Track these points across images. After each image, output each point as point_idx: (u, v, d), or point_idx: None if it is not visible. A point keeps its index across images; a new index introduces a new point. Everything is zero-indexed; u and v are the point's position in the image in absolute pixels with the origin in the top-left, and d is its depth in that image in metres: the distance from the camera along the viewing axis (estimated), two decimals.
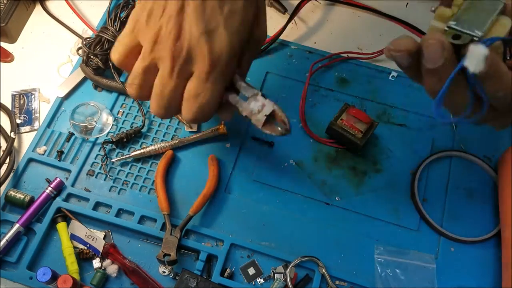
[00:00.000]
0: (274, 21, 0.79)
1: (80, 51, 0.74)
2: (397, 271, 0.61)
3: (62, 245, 0.62)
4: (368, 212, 0.65)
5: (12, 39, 0.77)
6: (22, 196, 0.63)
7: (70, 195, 0.65)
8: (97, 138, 0.69)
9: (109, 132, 0.70)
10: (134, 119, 0.71)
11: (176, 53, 0.47)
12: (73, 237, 0.62)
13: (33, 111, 0.72)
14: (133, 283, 0.60)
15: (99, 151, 0.68)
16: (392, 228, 0.65)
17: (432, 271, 0.61)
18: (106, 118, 0.70)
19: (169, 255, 0.60)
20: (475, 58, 0.39)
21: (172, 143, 0.68)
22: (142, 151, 0.67)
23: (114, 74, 0.71)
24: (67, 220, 0.63)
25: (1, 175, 0.64)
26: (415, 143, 0.70)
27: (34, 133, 0.70)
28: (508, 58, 0.42)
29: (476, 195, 0.67)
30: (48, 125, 0.70)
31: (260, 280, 0.61)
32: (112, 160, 0.67)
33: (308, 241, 0.63)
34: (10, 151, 0.66)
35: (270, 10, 0.81)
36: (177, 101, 0.50)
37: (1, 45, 0.75)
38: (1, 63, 0.75)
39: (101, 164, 0.67)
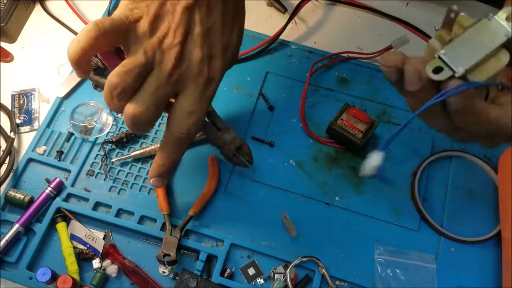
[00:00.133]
0: (274, 21, 0.79)
1: None
2: (397, 271, 0.61)
3: (62, 245, 0.61)
4: (368, 212, 0.65)
5: (12, 39, 0.77)
6: (22, 196, 0.63)
7: (70, 195, 0.65)
8: (97, 138, 0.69)
9: (109, 132, 0.70)
10: None
11: (178, 63, 0.48)
12: (73, 237, 0.62)
13: (32, 111, 0.72)
14: (133, 283, 0.60)
15: (99, 151, 0.68)
16: (392, 228, 0.65)
17: (432, 271, 0.61)
18: (106, 118, 0.70)
19: (169, 255, 0.60)
20: (368, 165, 0.44)
21: None
22: (142, 151, 0.67)
23: None
24: (67, 220, 0.63)
25: (1, 175, 0.64)
26: (415, 143, 0.70)
27: (34, 133, 0.69)
28: (501, 89, 0.43)
29: (476, 195, 0.67)
30: (48, 125, 0.70)
31: (260, 280, 0.61)
32: (112, 160, 0.67)
33: (308, 241, 0.63)
34: (10, 151, 0.66)
35: (270, 9, 0.80)
36: (161, 107, 0.49)
37: (1, 45, 0.75)
38: (1, 63, 0.75)
39: (101, 164, 0.67)
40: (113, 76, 0.47)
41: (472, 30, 0.41)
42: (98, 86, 0.73)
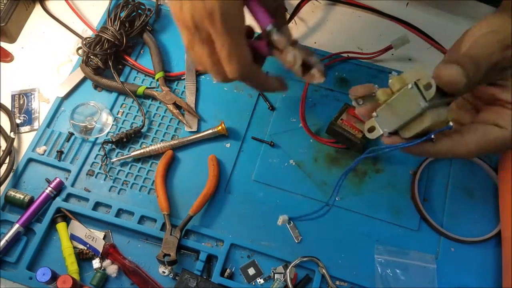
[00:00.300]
0: None
1: (80, 51, 0.74)
2: (397, 271, 0.61)
3: (62, 245, 0.61)
4: (368, 212, 0.65)
5: (12, 39, 0.77)
6: (22, 196, 0.63)
7: (70, 195, 0.65)
8: (97, 138, 0.69)
9: (109, 132, 0.70)
10: (134, 119, 0.71)
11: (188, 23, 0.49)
12: (73, 237, 0.62)
13: (32, 111, 0.72)
14: (133, 283, 0.60)
15: (99, 151, 0.68)
16: (392, 228, 0.65)
17: (433, 271, 0.61)
18: (106, 118, 0.70)
19: (169, 255, 0.60)
20: None
21: (172, 143, 0.68)
22: (142, 151, 0.67)
23: (114, 74, 0.71)
24: (67, 220, 0.63)
25: (1, 175, 0.64)
26: None
27: (33, 133, 0.69)
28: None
29: (476, 195, 0.67)
30: (48, 125, 0.70)
31: (260, 280, 0.61)
32: (112, 160, 0.67)
33: (308, 241, 0.63)
34: (10, 151, 0.66)
35: None
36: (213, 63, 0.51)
37: (1, 45, 0.75)
38: (1, 63, 0.75)
39: (101, 164, 0.67)
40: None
41: (398, 97, 0.46)
42: (98, 86, 0.73)
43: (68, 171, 0.67)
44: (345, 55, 0.75)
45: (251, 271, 0.61)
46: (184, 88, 0.73)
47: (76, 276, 0.59)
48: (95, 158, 0.68)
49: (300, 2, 0.77)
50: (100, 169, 0.67)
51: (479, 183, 0.67)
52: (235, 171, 0.68)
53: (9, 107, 0.71)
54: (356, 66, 0.75)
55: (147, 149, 0.67)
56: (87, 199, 0.65)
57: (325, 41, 0.78)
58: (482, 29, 0.47)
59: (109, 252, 0.61)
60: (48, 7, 0.80)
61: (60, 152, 0.67)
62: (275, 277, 0.61)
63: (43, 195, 0.64)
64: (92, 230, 0.63)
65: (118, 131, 0.70)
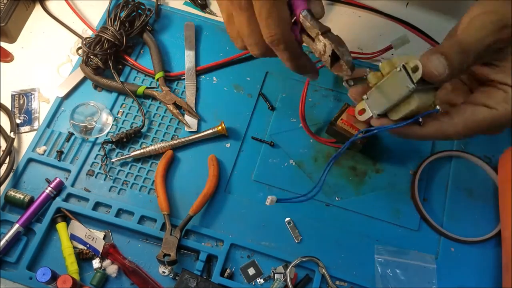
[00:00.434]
0: None
1: (80, 51, 0.74)
2: (397, 271, 0.61)
3: (62, 245, 0.61)
4: (368, 212, 0.65)
5: (12, 39, 0.77)
6: (22, 196, 0.63)
7: (70, 195, 0.65)
8: (97, 138, 0.69)
9: (109, 132, 0.70)
10: (134, 119, 0.71)
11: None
12: (73, 237, 0.62)
13: (32, 111, 0.72)
14: (133, 283, 0.60)
15: (99, 151, 0.68)
16: (392, 228, 0.65)
17: (432, 271, 0.61)
18: (106, 118, 0.70)
19: (169, 255, 0.60)
20: None
21: (172, 143, 0.68)
22: (142, 151, 0.67)
23: (114, 74, 0.71)
24: (67, 220, 0.63)
25: (1, 175, 0.64)
26: (415, 143, 0.70)
27: (33, 133, 0.69)
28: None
29: (476, 195, 0.67)
30: (48, 125, 0.70)
31: (260, 280, 0.61)
32: (112, 160, 0.67)
33: (308, 241, 0.63)
34: (10, 151, 0.66)
35: None
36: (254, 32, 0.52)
37: (1, 45, 0.75)
38: (1, 63, 0.75)
39: (101, 164, 0.67)
40: None
41: (387, 79, 0.48)
42: (98, 86, 0.73)
43: (68, 171, 0.67)
44: None
45: (251, 271, 0.61)
46: (184, 88, 0.73)
47: (76, 276, 0.59)
48: (95, 158, 0.68)
49: None
50: (100, 169, 0.67)
51: (479, 183, 0.67)
52: (235, 171, 0.68)
53: (9, 107, 0.71)
54: (356, 66, 0.74)
55: (147, 149, 0.67)
56: (87, 199, 0.65)
57: None
58: (477, 10, 0.46)
59: (109, 252, 0.61)
60: (48, 7, 0.80)
61: (60, 152, 0.67)
62: (275, 277, 0.61)
63: (43, 195, 0.64)
64: (92, 230, 0.63)
65: (118, 131, 0.70)
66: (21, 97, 0.72)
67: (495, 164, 0.68)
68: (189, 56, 0.75)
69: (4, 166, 0.65)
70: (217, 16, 0.80)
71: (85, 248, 0.62)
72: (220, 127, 0.68)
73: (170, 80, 0.74)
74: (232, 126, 0.70)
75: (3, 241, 0.60)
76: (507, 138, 0.69)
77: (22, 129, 0.70)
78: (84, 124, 0.69)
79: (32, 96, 0.73)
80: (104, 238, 0.63)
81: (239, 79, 0.74)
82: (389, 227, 0.65)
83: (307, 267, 0.61)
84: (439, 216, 0.65)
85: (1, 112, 0.71)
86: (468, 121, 0.48)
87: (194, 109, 0.71)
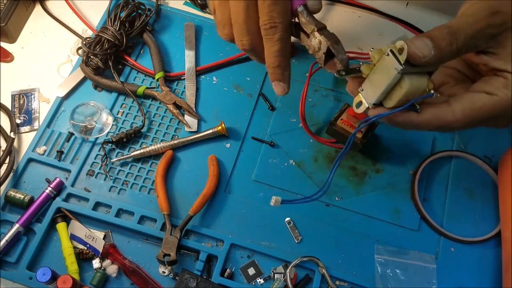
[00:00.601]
0: None
1: (80, 51, 0.74)
2: (397, 271, 0.61)
3: (62, 245, 0.61)
4: (368, 212, 0.65)
5: (12, 39, 0.77)
6: (22, 196, 0.63)
7: (70, 195, 0.65)
8: (97, 138, 0.69)
9: (109, 132, 0.70)
10: (134, 119, 0.71)
11: None
12: (73, 237, 0.62)
13: (33, 111, 0.72)
14: (133, 283, 0.60)
15: (99, 151, 0.68)
16: (392, 228, 0.65)
17: (432, 271, 0.61)
18: (106, 118, 0.70)
19: (169, 255, 0.60)
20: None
21: (172, 143, 0.68)
22: (142, 151, 0.67)
23: (114, 74, 0.71)
24: (67, 220, 0.63)
25: (1, 175, 0.64)
26: (415, 143, 0.70)
27: (34, 133, 0.69)
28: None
29: (476, 195, 0.67)
30: (48, 125, 0.70)
31: (260, 280, 0.61)
32: (112, 160, 0.67)
33: (308, 241, 0.63)
34: (10, 151, 0.66)
35: None
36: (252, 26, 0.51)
37: (1, 45, 0.75)
38: (1, 63, 0.75)
39: (101, 164, 0.67)
40: None
41: (377, 67, 0.48)
42: (98, 86, 0.73)
43: (68, 171, 0.67)
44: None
45: (251, 271, 0.62)
46: (184, 88, 0.73)
47: (76, 276, 0.59)
48: (95, 158, 0.68)
49: None
50: (100, 169, 0.67)
51: (479, 183, 0.67)
52: (235, 171, 0.68)
53: (9, 107, 0.71)
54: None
55: (147, 149, 0.68)
56: (87, 199, 0.65)
57: None
58: (469, 2, 0.47)
59: (109, 252, 0.61)
60: (48, 7, 0.80)
61: (60, 152, 0.67)
62: (275, 277, 0.61)
63: (43, 195, 0.64)
64: (92, 230, 0.63)
65: (118, 131, 0.70)
66: (21, 97, 0.72)
67: (495, 164, 0.68)
68: (189, 56, 0.75)
69: (4, 166, 0.65)
70: None
71: (85, 248, 0.62)
72: (220, 127, 0.68)
73: (170, 80, 0.74)
74: (232, 126, 0.70)
75: (3, 241, 0.60)
76: (507, 138, 0.69)
77: (22, 129, 0.70)
78: (84, 124, 0.69)
79: (32, 96, 0.73)
80: (104, 238, 0.63)
81: (239, 79, 0.74)
82: (389, 227, 0.65)
83: (307, 267, 0.61)
84: (439, 216, 0.65)
85: (1, 112, 0.71)
86: (467, 108, 0.47)
87: (194, 109, 0.71)
